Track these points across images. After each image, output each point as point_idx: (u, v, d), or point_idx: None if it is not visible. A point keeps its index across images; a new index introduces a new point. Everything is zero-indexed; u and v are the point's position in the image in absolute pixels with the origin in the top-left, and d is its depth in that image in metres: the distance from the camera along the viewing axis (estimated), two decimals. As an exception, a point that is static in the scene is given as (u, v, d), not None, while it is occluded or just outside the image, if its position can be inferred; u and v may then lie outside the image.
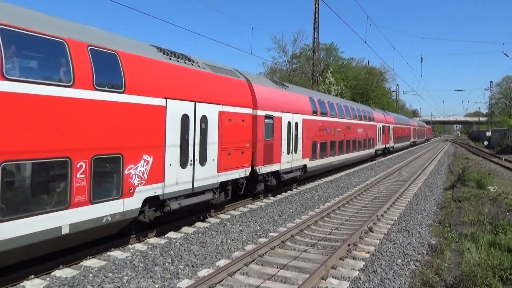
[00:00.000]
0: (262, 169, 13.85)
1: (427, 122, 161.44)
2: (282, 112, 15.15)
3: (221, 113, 11.30)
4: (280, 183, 15.51)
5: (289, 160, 15.89)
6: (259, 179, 14.02)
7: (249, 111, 12.98)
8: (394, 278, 7.20)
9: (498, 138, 57.95)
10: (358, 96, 60.36)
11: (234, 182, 12.42)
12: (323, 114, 20.06)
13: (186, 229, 10.34)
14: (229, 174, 11.86)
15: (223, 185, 11.75)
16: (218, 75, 11.69)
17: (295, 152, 16.46)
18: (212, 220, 11.47)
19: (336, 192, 16.64)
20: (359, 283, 6.94)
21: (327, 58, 60.14)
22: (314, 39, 34.10)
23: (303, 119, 17.17)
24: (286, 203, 14.00)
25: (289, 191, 16.68)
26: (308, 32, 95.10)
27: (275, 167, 14.76)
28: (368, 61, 75.92)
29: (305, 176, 18.10)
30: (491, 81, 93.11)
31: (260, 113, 13.59)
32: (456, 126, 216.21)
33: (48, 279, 6.94)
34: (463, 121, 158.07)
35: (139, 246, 8.88)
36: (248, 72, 14.22)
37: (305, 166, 17.63)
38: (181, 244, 8.95)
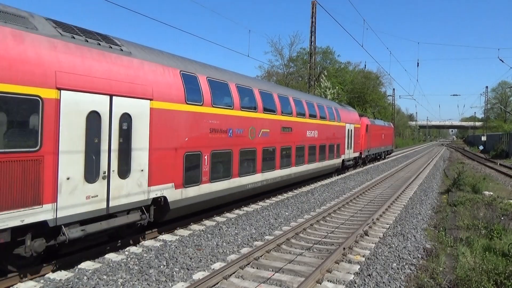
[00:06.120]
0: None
1: (423, 127, 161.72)
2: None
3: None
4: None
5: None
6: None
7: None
8: (389, 282, 7.20)
9: (493, 143, 58.33)
10: (355, 100, 60.52)
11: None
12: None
13: (181, 232, 10.32)
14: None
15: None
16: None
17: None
18: (207, 222, 11.45)
19: (332, 196, 16.68)
20: (355, 286, 6.95)
21: (323, 61, 60.36)
22: (311, 42, 34.20)
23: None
24: (282, 206, 14.01)
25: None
26: (305, 35, 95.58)
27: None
28: (365, 65, 76.43)
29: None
30: (487, 86, 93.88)
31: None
32: (452, 131, 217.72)
33: (42, 281, 6.89)
34: (459, 125, 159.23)
35: (134, 249, 8.84)
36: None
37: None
38: (176, 247, 8.93)
